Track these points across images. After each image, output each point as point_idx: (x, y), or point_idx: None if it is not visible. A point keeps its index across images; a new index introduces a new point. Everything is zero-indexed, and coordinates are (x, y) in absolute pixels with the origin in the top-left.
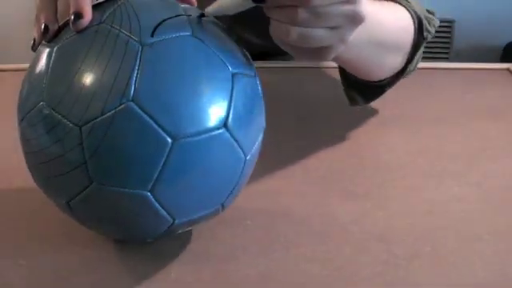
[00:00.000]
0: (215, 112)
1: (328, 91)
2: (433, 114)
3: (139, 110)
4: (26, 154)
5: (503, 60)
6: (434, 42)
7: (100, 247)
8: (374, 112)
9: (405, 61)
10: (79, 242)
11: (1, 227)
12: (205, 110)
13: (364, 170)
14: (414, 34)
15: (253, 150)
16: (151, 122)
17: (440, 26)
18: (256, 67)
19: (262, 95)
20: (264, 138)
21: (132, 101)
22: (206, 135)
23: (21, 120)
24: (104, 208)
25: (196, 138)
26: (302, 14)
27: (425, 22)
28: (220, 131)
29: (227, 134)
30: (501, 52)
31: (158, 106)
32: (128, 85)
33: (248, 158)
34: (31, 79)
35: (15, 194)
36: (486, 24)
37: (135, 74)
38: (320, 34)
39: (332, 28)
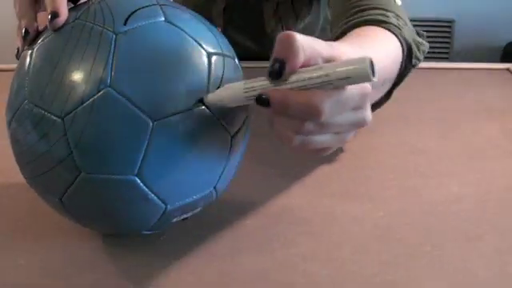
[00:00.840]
0: (193, 91)
1: None
2: (433, 113)
3: (118, 95)
4: (17, 155)
5: (503, 60)
6: (433, 42)
7: (100, 247)
8: (374, 112)
9: (389, 88)
10: (79, 242)
11: (0, 227)
12: (183, 89)
13: (364, 170)
14: (402, 63)
15: (239, 131)
16: (130, 105)
17: (440, 26)
18: (255, 67)
19: (241, 74)
20: (263, 139)
21: (110, 86)
22: (186, 114)
23: (9, 122)
24: (95, 199)
25: (176, 118)
26: (309, 125)
27: (414, 49)
28: (200, 109)
29: (208, 112)
30: (501, 52)
31: (135, 90)
32: (105, 72)
33: (234, 137)
34: (16, 82)
35: (14, 195)
36: (486, 24)
37: (111, 61)
38: (322, 140)
39: (335, 133)
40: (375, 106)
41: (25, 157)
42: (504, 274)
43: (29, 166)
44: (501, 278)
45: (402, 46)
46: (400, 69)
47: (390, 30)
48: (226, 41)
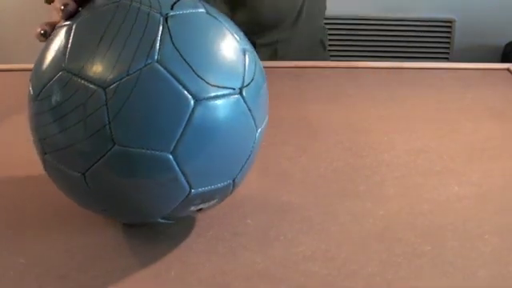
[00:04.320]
0: (233, 78)
1: (328, 91)
2: (433, 113)
3: (164, 71)
4: (39, 128)
5: (503, 60)
6: (433, 41)
7: (100, 246)
8: (375, 111)
9: None
10: (79, 241)
11: (1, 226)
12: (224, 75)
13: (364, 169)
14: None
15: (261, 127)
16: (175, 82)
17: (440, 26)
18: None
19: (265, 74)
20: (264, 138)
21: (157, 62)
22: (225, 99)
23: (37, 95)
24: (122, 174)
25: (215, 101)
26: None
27: None
28: (236, 97)
29: (242, 101)
30: (501, 52)
31: (181, 68)
32: (153, 47)
33: (258, 132)
34: (48, 56)
35: (15, 192)
36: (486, 24)
37: (159, 38)
38: None
39: None
40: None
41: (50, 129)
42: (504, 274)
43: (53, 139)
44: (501, 278)
45: None
46: None
47: None
48: (249, 41)
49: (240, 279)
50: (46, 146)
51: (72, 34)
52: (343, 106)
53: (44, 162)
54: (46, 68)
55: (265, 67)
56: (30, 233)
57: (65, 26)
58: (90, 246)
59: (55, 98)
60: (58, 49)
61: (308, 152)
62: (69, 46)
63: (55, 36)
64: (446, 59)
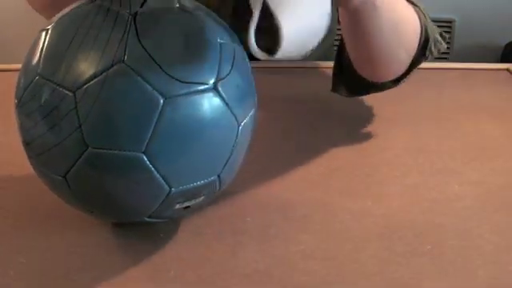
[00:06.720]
0: (205, 74)
1: (327, 90)
2: (433, 113)
3: (130, 71)
4: (24, 133)
5: (503, 60)
6: None
7: (100, 245)
8: (375, 110)
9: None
10: (80, 240)
11: (1, 226)
12: (195, 71)
13: (364, 168)
14: (418, 47)
15: (246, 120)
16: (143, 81)
17: (440, 26)
18: (255, 67)
19: (250, 67)
20: (264, 136)
21: (123, 62)
22: (197, 96)
23: (19, 100)
24: (100, 176)
25: (187, 98)
26: None
27: (431, 42)
28: (210, 93)
29: (217, 97)
30: (501, 51)
31: (149, 67)
32: (119, 47)
33: (241, 127)
34: (28, 60)
35: (14, 192)
36: (486, 23)
37: (126, 38)
38: None
39: None
40: (377, 88)
41: (32, 133)
42: (504, 274)
43: (35, 143)
44: (501, 278)
45: (421, 31)
46: (416, 52)
47: (417, 13)
48: (231, 30)
49: (240, 278)
50: (29, 150)
51: (47, 38)
52: (343, 105)
53: (32, 165)
54: (25, 74)
55: (265, 67)
56: (29, 232)
57: (43, 30)
58: (89, 246)
59: (32, 104)
60: (35, 54)
61: (308, 150)
62: (43, 50)
63: (34, 42)
64: (446, 59)
